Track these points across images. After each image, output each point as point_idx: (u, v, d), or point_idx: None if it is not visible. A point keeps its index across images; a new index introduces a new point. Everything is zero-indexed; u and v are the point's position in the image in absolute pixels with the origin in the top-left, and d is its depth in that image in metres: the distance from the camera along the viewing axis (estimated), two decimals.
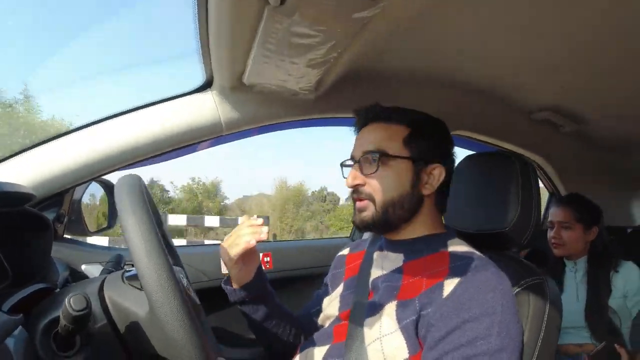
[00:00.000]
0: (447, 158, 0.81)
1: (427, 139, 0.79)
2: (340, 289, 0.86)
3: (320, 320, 0.88)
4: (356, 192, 0.78)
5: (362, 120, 0.83)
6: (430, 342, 0.64)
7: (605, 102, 1.18)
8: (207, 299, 0.94)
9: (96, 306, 0.60)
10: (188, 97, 1.00)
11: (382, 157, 0.76)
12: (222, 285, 0.86)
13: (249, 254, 0.78)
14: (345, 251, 0.97)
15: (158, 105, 0.99)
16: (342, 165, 0.86)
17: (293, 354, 0.86)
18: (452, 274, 0.69)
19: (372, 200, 0.77)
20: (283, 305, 0.90)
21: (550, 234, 1.48)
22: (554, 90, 1.15)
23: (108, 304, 0.61)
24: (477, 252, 0.76)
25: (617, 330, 1.35)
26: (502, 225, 0.84)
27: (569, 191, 1.56)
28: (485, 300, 0.63)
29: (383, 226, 0.78)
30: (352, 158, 0.82)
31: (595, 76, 1.03)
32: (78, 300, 0.53)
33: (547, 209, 1.75)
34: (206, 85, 1.00)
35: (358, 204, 0.79)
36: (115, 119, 0.97)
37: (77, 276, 1.04)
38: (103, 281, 0.64)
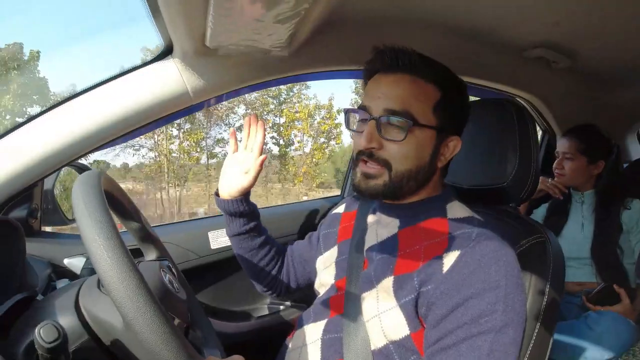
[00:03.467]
0: (463, 128, 0.74)
1: (454, 108, 0.71)
2: (334, 253, 0.83)
3: (316, 286, 0.86)
4: (367, 154, 0.68)
5: (384, 64, 0.69)
6: (432, 321, 0.61)
7: (599, 35, 1.09)
8: (197, 278, 0.92)
9: (74, 321, 0.56)
10: (149, 66, 0.89)
11: (413, 125, 0.65)
12: (216, 199, 0.93)
13: None
14: (340, 209, 0.93)
15: (118, 79, 0.88)
16: (348, 111, 0.75)
17: (273, 287, 0.96)
18: (452, 245, 0.64)
19: (388, 167, 0.68)
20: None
21: (555, 163, 1.47)
22: (547, 26, 1.06)
23: (86, 318, 0.57)
24: (478, 217, 0.71)
25: (621, 267, 1.36)
26: (499, 180, 0.79)
27: (563, 130, 1.51)
28: (488, 274, 0.59)
29: (390, 196, 0.71)
30: (364, 108, 0.69)
31: (587, 9, 0.94)
32: (49, 331, 0.48)
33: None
34: (167, 52, 0.89)
35: (367, 168, 0.69)
36: (72, 101, 0.87)
37: (60, 272, 1.00)
38: (78, 292, 0.60)
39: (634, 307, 1.24)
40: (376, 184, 0.69)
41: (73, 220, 1.17)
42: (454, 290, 0.60)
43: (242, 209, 0.90)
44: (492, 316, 0.57)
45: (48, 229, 1.18)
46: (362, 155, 0.69)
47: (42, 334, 0.48)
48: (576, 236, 1.42)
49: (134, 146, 13.97)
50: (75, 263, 1.04)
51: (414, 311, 0.63)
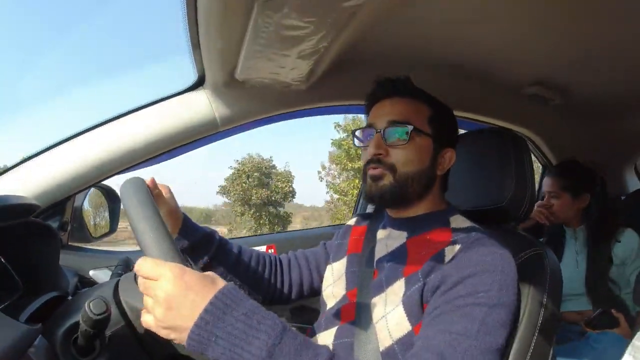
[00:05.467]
0: (455, 145, 0.85)
1: (445, 123, 0.82)
2: (343, 264, 0.88)
3: (325, 297, 0.89)
4: (374, 161, 0.77)
5: (385, 91, 0.82)
6: (432, 300, 0.66)
7: (592, 72, 1.19)
8: None
9: (113, 309, 0.61)
10: (181, 96, 1.00)
11: (413, 130, 0.76)
12: None
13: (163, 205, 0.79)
14: (352, 221, 0.98)
15: (152, 106, 0.99)
16: (354, 134, 0.85)
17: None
18: (453, 243, 0.71)
19: (393, 170, 0.77)
20: (243, 249, 0.93)
21: (541, 202, 1.50)
22: (541, 65, 1.17)
23: (124, 306, 0.62)
24: (479, 227, 0.78)
25: (617, 298, 1.37)
26: (498, 200, 0.86)
27: None
28: (486, 261, 0.65)
29: (398, 199, 0.78)
30: (370, 126, 0.81)
31: (579, 48, 1.04)
32: (98, 304, 0.54)
33: (541, 181, 1.77)
34: (198, 83, 1.00)
35: (374, 172, 0.78)
36: (110, 124, 0.97)
37: (86, 282, 1.06)
38: (117, 283, 0.66)
39: (633, 332, 1.24)
40: (383, 184, 0.77)
41: (97, 238, 1.24)
42: (455, 271, 0.65)
43: (190, 242, 0.84)
44: (487, 293, 0.62)
45: None
46: (370, 164, 0.78)
47: (91, 307, 0.54)
48: (572, 274, 1.43)
49: None
50: (100, 275, 1.09)
51: (419, 302, 0.68)
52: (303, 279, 0.97)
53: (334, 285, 0.87)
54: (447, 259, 0.69)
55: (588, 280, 1.39)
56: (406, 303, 0.69)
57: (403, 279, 0.72)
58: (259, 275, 0.93)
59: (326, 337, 0.78)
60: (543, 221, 1.48)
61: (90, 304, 0.54)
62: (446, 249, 0.70)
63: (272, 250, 1.46)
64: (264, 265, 0.95)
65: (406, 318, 0.68)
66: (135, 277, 0.66)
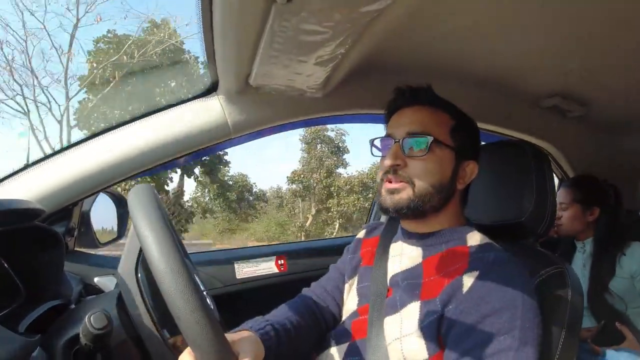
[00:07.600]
0: (477, 157, 0.81)
1: (468, 134, 0.79)
2: (355, 279, 0.84)
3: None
4: (392, 172, 0.73)
5: (406, 99, 0.79)
6: (452, 340, 0.63)
7: (611, 84, 1.17)
8: (221, 306, 0.92)
9: (115, 321, 0.59)
10: (194, 102, 0.98)
11: (433, 141, 0.72)
12: None
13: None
14: (361, 234, 0.95)
15: (164, 112, 0.97)
16: (373, 140, 0.81)
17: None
18: (471, 268, 0.67)
19: (411, 183, 0.72)
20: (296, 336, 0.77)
21: None
22: (560, 76, 1.14)
23: (127, 318, 0.59)
24: (496, 245, 0.74)
25: (619, 312, 1.34)
26: (517, 215, 0.82)
27: None
28: (505, 294, 0.62)
29: (415, 213, 0.74)
30: (389, 136, 0.77)
31: (598, 58, 1.02)
32: (99, 319, 0.51)
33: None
34: (212, 89, 0.98)
35: (391, 184, 0.73)
36: (121, 129, 0.95)
37: (91, 290, 1.03)
38: (120, 295, 0.63)
39: None
40: (400, 198, 0.73)
41: (104, 245, 1.22)
42: (473, 308, 0.62)
43: None
44: (510, 334, 0.59)
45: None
46: (387, 175, 0.74)
47: (92, 321, 0.51)
48: None
49: None
50: (105, 282, 1.07)
51: (436, 332, 0.65)
52: (333, 311, 0.87)
53: (345, 300, 0.85)
54: (465, 288, 0.65)
55: (589, 291, 1.38)
56: (426, 332, 0.66)
57: (419, 302, 0.69)
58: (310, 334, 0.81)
59: (336, 353, 0.75)
60: (551, 233, 1.47)
61: (91, 317, 0.51)
62: (464, 276, 0.67)
63: (283, 261, 1.43)
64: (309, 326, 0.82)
65: (425, 347, 0.65)
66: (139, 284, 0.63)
